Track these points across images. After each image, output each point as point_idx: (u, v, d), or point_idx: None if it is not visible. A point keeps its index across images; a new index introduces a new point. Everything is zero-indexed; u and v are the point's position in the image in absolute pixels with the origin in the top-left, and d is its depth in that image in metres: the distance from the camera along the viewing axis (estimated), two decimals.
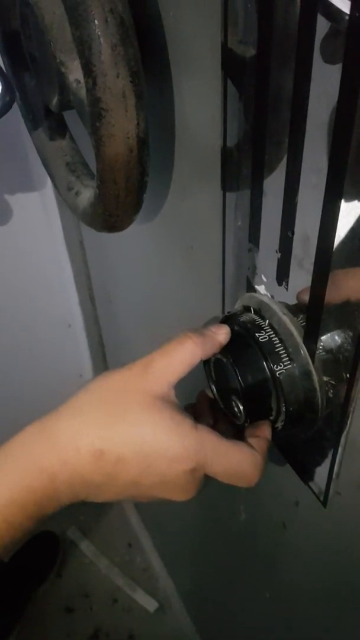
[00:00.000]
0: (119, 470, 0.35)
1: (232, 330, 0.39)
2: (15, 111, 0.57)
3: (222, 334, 0.38)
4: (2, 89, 0.47)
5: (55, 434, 0.35)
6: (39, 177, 0.90)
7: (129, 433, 0.35)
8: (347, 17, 0.24)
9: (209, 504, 0.74)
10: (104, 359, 1.19)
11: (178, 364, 0.36)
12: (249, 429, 0.39)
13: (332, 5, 0.24)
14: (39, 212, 0.96)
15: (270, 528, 0.57)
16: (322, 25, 0.26)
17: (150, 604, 1.24)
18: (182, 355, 0.36)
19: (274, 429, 0.40)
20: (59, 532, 1.32)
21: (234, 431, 0.41)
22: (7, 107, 0.48)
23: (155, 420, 0.35)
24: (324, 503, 0.43)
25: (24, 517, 0.34)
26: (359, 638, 0.49)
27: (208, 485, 0.38)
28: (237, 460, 0.36)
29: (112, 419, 0.35)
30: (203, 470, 0.36)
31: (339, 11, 0.24)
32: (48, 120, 0.57)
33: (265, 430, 0.39)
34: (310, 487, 0.44)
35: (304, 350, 0.37)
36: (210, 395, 0.43)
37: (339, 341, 0.35)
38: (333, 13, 0.25)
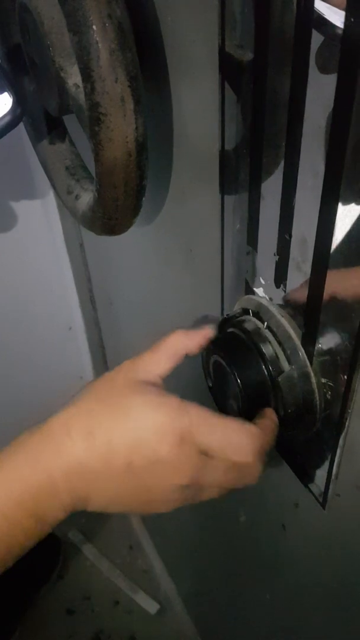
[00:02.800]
0: (111, 452, 0.35)
1: (231, 332, 0.40)
2: None
3: (208, 327, 0.40)
4: (13, 102, 0.47)
5: (49, 427, 0.36)
6: (39, 181, 0.90)
7: (116, 415, 0.36)
8: (339, 31, 0.24)
9: (209, 506, 0.74)
10: (105, 361, 1.19)
11: (163, 355, 0.39)
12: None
13: (326, 19, 0.25)
14: (40, 215, 0.96)
15: (270, 530, 0.57)
16: (315, 37, 0.27)
17: (152, 606, 1.24)
18: (167, 348, 0.39)
19: None
20: (60, 535, 1.32)
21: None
22: (18, 119, 0.47)
23: (141, 401, 0.36)
24: (323, 504, 0.43)
25: (23, 514, 0.34)
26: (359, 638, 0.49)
27: None
28: (230, 430, 0.36)
29: (100, 406, 0.36)
30: (192, 440, 0.35)
31: (332, 25, 0.25)
32: (47, 124, 0.57)
33: (269, 412, 0.39)
34: (309, 489, 0.44)
35: (302, 353, 0.37)
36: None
37: (337, 343, 0.35)
38: (326, 27, 0.25)
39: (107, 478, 0.36)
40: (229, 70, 0.35)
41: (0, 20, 0.52)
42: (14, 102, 0.47)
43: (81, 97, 0.42)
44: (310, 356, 0.36)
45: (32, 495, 0.34)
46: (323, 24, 0.26)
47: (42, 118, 0.56)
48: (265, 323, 0.39)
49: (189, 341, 0.39)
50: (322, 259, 0.32)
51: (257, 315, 0.40)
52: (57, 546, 1.30)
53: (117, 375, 0.38)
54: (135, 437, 0.35)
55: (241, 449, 0.35)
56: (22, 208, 0.93)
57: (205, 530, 0.85)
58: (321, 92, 0.28)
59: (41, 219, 0.96)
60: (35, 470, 0.35)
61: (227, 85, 0.36)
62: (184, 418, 0.35)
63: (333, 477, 0.40)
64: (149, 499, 0.37)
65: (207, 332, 0.40)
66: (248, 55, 0.34)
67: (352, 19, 0.24)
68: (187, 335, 0.40)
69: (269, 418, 0.38)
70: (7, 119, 0.46)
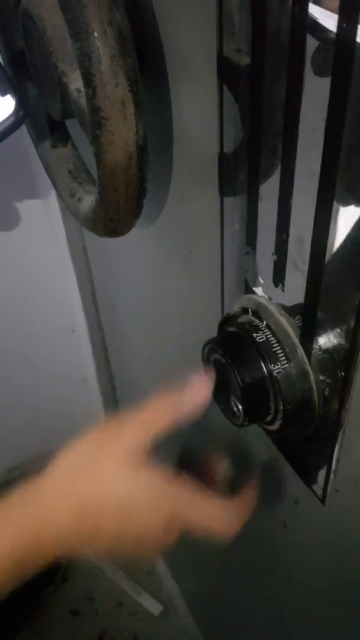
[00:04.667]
0: (101, 526, 0.37)
1: (231, 331, 0.40)
2: None
3: (201, 392, 0.39)
4: (15, 106, 0.47)
5: (37, 498, 0.38)
6: (42, 185, 0.91)
7: (108, 491, 0.38)
8: (333, 35, 0.25)
9: None
10: (108, 363, 1.19)
11: (151, 426, 0.39)
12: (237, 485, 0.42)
13: (319, 23, 0.26)
14: (43, 218, 0.97)
15: (272, 527, 0.58)
16: (311, 41, 0.28)
17: (155, 607, 1.24)
18: (155, 419, 0.39)
19: (272, 429, 0.40)
20: None
21: (215, 486, 0.43)
22: (20, 122, 0.48)
23: (132, 478, 0.38)
24: (323, 501, 0.44)
25: (3, 574, 0.37)
26: None
27: None
28: (209, 516, 0.40)
29: (90, 480, 0.38)
30: (180, 519, 0.39)
31: (325, 29, 0.25)
32: (50, 128, 0.58)
33: (251, 491, 0.42)
34: (309, 486, 0.45)
35: (300, 350, 0.37)
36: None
37: (334, 341, 0.36)
38: (320, 31, 0.26)
39: (95, 543, 0.39)
40: (227, 74, 0.36)
41: (4, 27, 0.53)
42: (16, 105, 0.47)
43: (83, 102, 0.43)
44: (308, 354, 0.37)
45: (17, 561, 0.37)
46: (317, 28, 0.27)
47: (45, 122, 0.57)
48: (264, 321, 0.39)
49: (178, 413, 0.39)
50: (319, 258, 0.33)
51: (256, 314, 0.40)
52: None
53: (104, 447, 0.39)
54: (127, 512, 0.38)
55: (221, 532, 0.40)
56: (25, 211, 0.94)
57: None
58: (317, 94, 0.29)
59: (44, 222, 0.97)
60: (22, 543, 0.37)
61: (225, 89, 0.37)
62: (175, 503, 0.38)
63: (332, 473, 0.41)
64: (135, 550, 0.40)
65: (203, 397, 0.39)
66: (245, 59, 0.34)
67: (344, 24, 0.24)
68: (180, 404, 0.39)
69: (250, 497, 0.42)
70: (10, 121, 0.47)
